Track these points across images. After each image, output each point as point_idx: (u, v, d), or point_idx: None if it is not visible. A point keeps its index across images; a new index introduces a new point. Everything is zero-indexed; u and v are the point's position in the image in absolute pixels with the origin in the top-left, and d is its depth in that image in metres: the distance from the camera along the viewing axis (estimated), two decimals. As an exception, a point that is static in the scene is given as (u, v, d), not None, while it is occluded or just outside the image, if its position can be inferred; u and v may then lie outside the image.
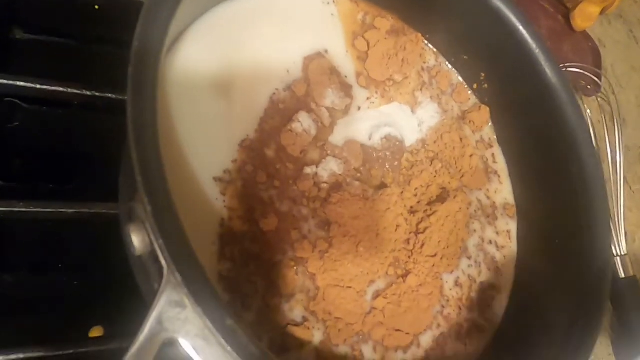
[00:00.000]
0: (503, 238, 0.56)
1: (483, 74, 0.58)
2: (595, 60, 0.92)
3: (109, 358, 0.44)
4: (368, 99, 0.54)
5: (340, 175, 0.49)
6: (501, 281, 0.54)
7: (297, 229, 0.45)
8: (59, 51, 0.60)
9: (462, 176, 0.56)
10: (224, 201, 0.43)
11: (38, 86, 0.48)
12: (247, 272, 0.42)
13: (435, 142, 0.55)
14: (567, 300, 0.48)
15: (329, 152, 0.49)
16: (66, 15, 0.60)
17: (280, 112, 0.48)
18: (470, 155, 0.56)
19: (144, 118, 0.32)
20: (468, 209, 0.54)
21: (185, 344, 0.32)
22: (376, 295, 0.47)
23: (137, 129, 0.31)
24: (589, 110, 0.76)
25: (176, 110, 0.43)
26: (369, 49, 0.55)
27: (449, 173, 0.54)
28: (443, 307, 0.50)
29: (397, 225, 0.49)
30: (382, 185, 0.51)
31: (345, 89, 0.53)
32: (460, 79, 0.60)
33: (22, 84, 0.47)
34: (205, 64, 0.45)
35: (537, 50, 0.54)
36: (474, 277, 0.53)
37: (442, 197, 0.52)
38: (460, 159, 0.56)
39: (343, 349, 0.44)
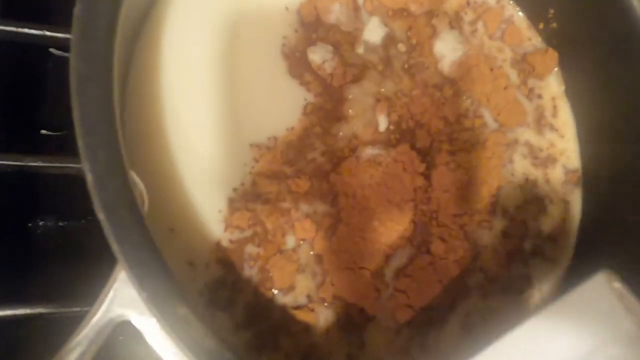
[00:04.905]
0: (560, 203, 0.47)
1: (552, 10, 0.48)
2: None
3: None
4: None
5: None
6: (557, 253, 0.46)
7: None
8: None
9: (499, 114, 0.46)
10: (252, 167, 0.40)
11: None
12: (247, 249, 0.39)
13: (462, 79, 0.46)
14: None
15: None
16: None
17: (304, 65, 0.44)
18: (505, 88, 0.47)
19: (92, 69, 0.27)
20: (505, 150, 0.45)
21: (141, 326, 0.29)
22: (397, 274, 0.41)
23: (80, 82, 0.26)
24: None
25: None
26: None
27: (480, 113, 0.46)
28: (481, 269, 0.43)
29: (417, 187, 0.42)
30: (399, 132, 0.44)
31: (357, 10, 0.46)
32: (522, 15, 0.50)
33: (59, 35, 0.44)
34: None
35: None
36: (516, 239, 0.45)
37: (470, 142, 0.44)
38: (493, 93, 0.46)
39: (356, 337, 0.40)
